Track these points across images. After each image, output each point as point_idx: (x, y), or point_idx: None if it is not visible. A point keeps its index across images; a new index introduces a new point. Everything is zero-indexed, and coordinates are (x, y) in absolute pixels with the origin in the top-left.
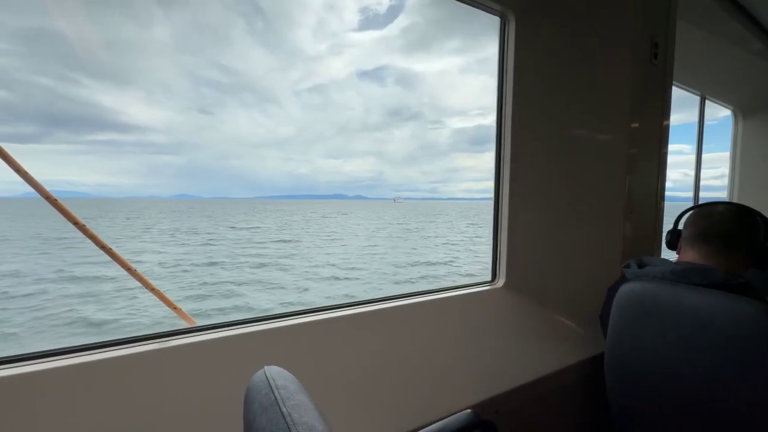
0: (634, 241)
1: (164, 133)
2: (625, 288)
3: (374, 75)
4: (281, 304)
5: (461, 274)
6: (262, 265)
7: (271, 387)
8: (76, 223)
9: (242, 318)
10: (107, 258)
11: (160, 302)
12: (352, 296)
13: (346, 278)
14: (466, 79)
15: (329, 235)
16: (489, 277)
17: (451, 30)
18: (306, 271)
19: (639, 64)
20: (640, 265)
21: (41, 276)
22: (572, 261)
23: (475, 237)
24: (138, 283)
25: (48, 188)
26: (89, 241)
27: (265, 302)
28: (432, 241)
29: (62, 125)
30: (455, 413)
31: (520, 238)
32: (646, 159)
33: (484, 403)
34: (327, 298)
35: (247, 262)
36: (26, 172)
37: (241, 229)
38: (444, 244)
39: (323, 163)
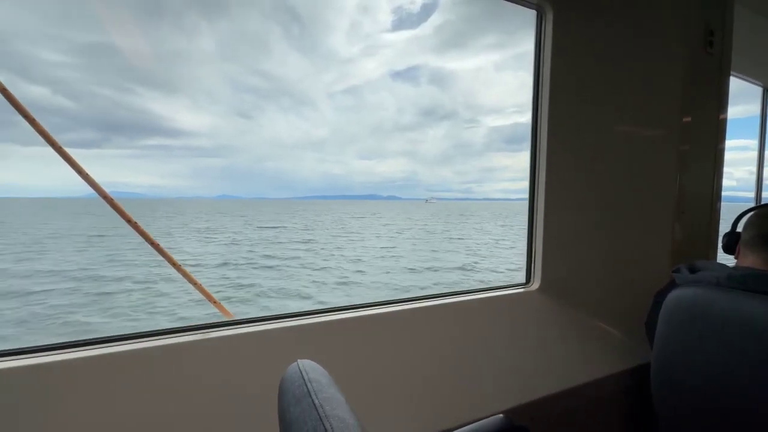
0: (686, 244)
1: (208, 137)
2: (674, 294)
3: (407, 75)
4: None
5: (476, 281)
6: (267, 267)
7: (304, 379)
8: (129, 221)
9: (277, 313)
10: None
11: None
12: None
13: (342, 284)
14: (502, 75)
15: (350, 236)
16: (515, 280)
17: (486, 26)
18: (309, 275)
19: (691, 54)
20: (692, 270)
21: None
22: (615, 264)
23: (501, 240)
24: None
25: (108, 189)
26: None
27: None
28: (455, 243)
29: (119, 131)
30: (487, 417)
31: (556, 239)
32: (700, 156)
33: (517, 409)
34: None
35: (256, 263)
36: (87, 175)
37: (266, 228)
38: (467, 248)
39: (357, 163)
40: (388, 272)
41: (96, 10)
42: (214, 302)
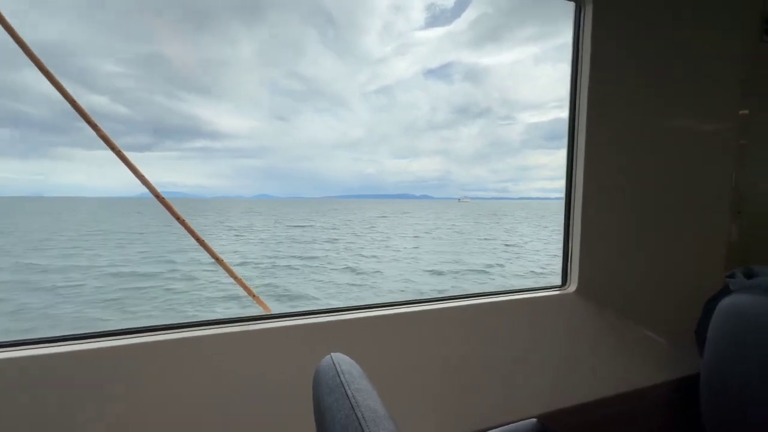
0: (742, 247)
1: (248, 138)
2: (728, 301)
3: (441, 72)
4: None
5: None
6: (287, 267)
7: (337, 371)
8: (178, 218)
9: (312, 309)
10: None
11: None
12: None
13: (354, 285)
14: (541, 68)
15: (375, 236)
16: (545, 282)
17: (523, 18)
18: (319, 278)
19: (748, 45)
20: (749, 275)
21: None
22: (661, 267)
23: (531, 242)
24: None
25: (159, 189)
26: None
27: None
28: (480, 244)
29: (169, 135)
30: (520, 421)
31: (595, 240)
32: (759, 152)
33: (551, 415)
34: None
35: (278, 263)
36: (142, 175)
37: (293, 227)
38: (493, 249)
39: (390, 163)
40: (402, 274)
41: (149, 24)
42: (254, 297)
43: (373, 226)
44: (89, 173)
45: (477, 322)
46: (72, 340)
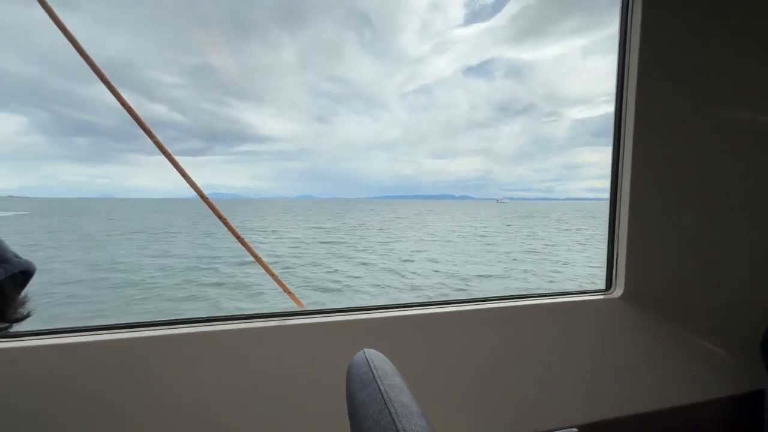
0: None
1: (290, 141)
2: None
3: (480, 70)
4: None
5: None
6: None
7: (370, 366)
8: (220, 218)
9: (346, 306)
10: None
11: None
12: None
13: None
14: (590, 61)
15: (380, 238)
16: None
17: (568, 8)
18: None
19: None
20: None
21: None
22: (720, 273)
23: (552, 245)
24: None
25: (208, 191)
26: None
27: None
28: (496, 248)
29: (219, 140)
30: (559, 429)
31: (644, 241)
32: None
33: (594, 426)
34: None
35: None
36: (190, 178)
37: (312, 228)
38: (506, 252)
39: (428, 163)
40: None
41: (199, 36)
42: (290, 293)
43: (381, 229)
44: (150, 177)
45: (514, 325)
46: (119, 329)
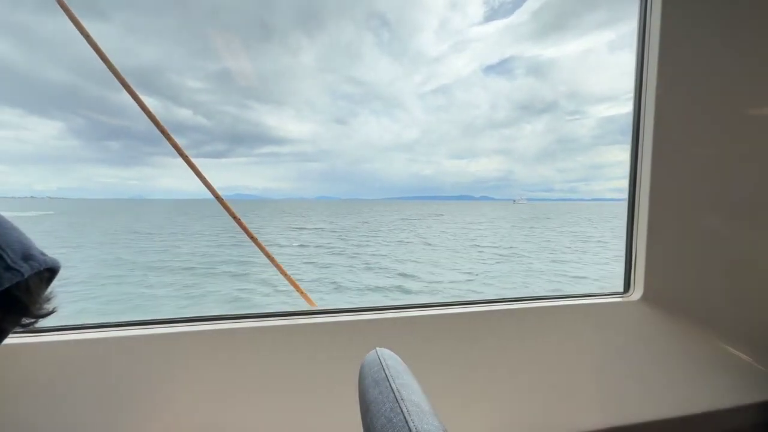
0: None
1: (310, 143)
2: None
3: (501, 68)
4: None
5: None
6: (227, 273)
7: (382, 365)
8: (234, 217)
9: (357, 306)
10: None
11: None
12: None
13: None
14: (616, 56)
15: (369, 241)
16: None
17: (592, 2)
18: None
19: None
20: None
21: None
22: (747, 275)
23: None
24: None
25: (232, 192)
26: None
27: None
28: (481, 253)
29: (241, 142)
30: None
31: (665, 241)
32: None
33: (613, 431)
34: None
35: (219, 269)
36: (206, 179)
37: (297, 229)
38: (485, 261)
39: (448, 163)
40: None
41: (220, 41)
42: (302, 293)
43: (376, 231)
44: (176, 178)
45: (528, 327)
46: (129, 326)
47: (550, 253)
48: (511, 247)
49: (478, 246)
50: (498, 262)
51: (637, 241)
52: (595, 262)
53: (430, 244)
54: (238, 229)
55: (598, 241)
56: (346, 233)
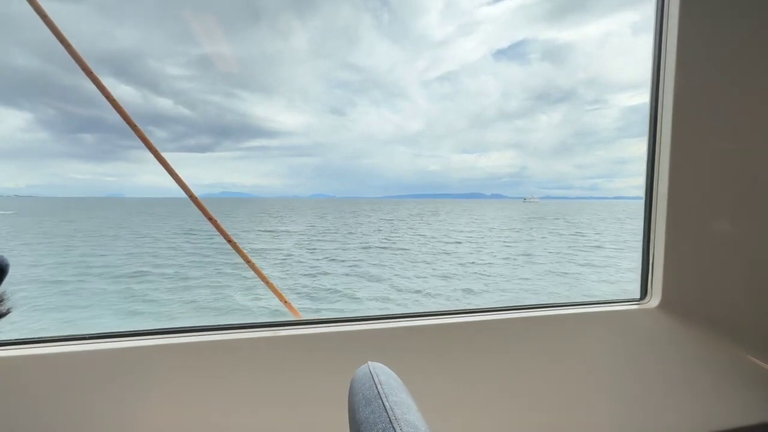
0: None
1: (303, 135)
2: None
3: (513, 53)
4: None
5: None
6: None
7: (374, 381)
8: (210, 218)
9: (346, 316)
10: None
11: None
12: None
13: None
14: (642, 38)
15: (334, 244)
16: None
17: None
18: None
19: None
20: None
21: None
22: None
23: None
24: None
25: (218, 190)
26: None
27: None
28: (458, 258)
29: (227, 135)
30: None
31: (684, 246)
32: None
33: None
34: None
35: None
36: (178, 176)
37: (264, 231)
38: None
39: (455, 158)
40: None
41: (204, 24)
42: (285, 302)
43: (348, 233)
44: (159, 175)
45: (536, 336)
46: (103, 339)
47: (522, 265)
48: (472, 259)
49: (447, 253)
50: (443, 278)
51: (655, 243)
52: (581, 291)
53: (404, 249)
54: (209, 232)
55: (605, 255)
56: (315, 236)
